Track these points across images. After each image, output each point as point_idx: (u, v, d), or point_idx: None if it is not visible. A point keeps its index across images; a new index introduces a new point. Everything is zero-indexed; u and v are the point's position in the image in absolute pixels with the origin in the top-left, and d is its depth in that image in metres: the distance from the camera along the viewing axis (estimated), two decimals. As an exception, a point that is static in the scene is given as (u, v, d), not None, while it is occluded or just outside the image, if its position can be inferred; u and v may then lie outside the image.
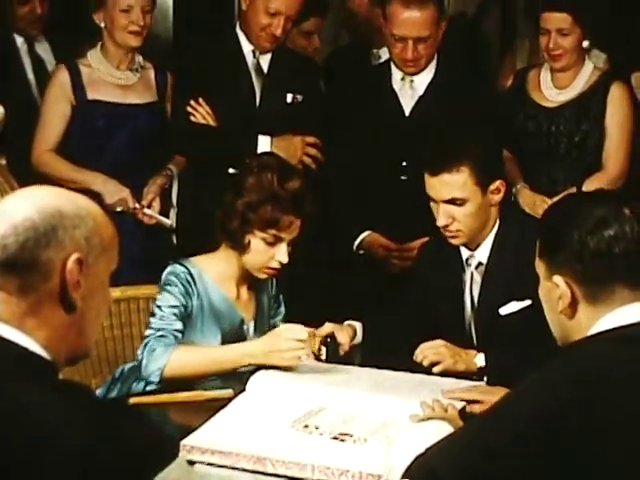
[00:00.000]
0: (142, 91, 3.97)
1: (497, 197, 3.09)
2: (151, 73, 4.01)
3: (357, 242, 3.84)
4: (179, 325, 2.96)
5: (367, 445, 2.44)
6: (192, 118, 3.76)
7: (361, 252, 3.86)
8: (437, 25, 3.76)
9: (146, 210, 3.91)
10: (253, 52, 3.84)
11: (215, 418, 2.57)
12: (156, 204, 3.94)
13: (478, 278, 3.15)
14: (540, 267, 2.10)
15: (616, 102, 3.98)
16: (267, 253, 3.01)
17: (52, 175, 3.85)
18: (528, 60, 4.68)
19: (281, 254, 3.00)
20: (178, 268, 3.04)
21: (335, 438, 2.47)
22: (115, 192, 3.87)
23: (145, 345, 2.91)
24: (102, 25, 3.91)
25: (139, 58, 4.01)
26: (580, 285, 2.00)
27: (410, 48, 3.74)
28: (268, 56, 3.85)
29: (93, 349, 1.83)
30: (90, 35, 4.06)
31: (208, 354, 2.93)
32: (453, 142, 3.13)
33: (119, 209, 3.86)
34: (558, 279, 2.02)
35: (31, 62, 4.19)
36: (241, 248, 3.02)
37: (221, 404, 2.66)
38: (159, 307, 2.98)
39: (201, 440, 2.43)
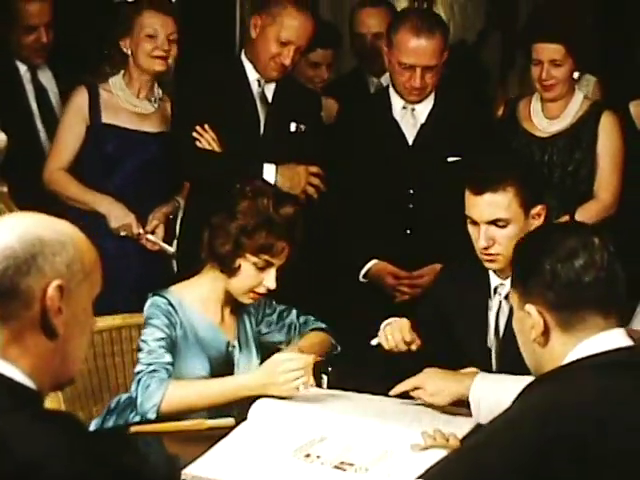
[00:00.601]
0: (157, 121, 4.01)
1: (537, 222, 3.02)
2: (168, 105, 4.02)
3: (364, 271, 3.82)
4: (168, 358, 2.92)
5: (369, 474, 2.44)
6: (198, 144, 3.76)
7: (365, 280, 3.84)
8: (442, 54, 3.78)
9: (149, 236, 3.93)
10: (258, 81, 3.84)
11: (216, 447, 2.57)
12: (160, 231, 3.96)
13: (506, 308, 3.08)
14: (513, 297, 2.16)
15: (607, 131, 4.00)
16: (256, 278, 2.99)
17: (61, 193, 3.93)
18: (520, 89, 4.70)
19: (270, 280, 2.99)
20: (158, 300, 3.00)
21: (337, 467, 2.47)
22: (120, 216, 3.90)
23: (138, 382, 2.87)
24: (128, 52, 3.95)
25: (159, 90, 4.05)
26: (552, 313, 2.05)
27: (418, 76, 3.74)
28: (272, 85, 3.85)
29: (78, 375, 1.82)
30: (95, 64, 4.10)
31: (204, 388, 2.88)
32: (497, 161, 3.11)
33: (123, 233, 3.90)
34: (530, 307, 2.07)
35: (34, 90, 4.20)
36: (230, 272, 3.00)
37: (222, 433, 2.66)
38: (145, 342, 2.94)
39: (202, 469, 2.43)
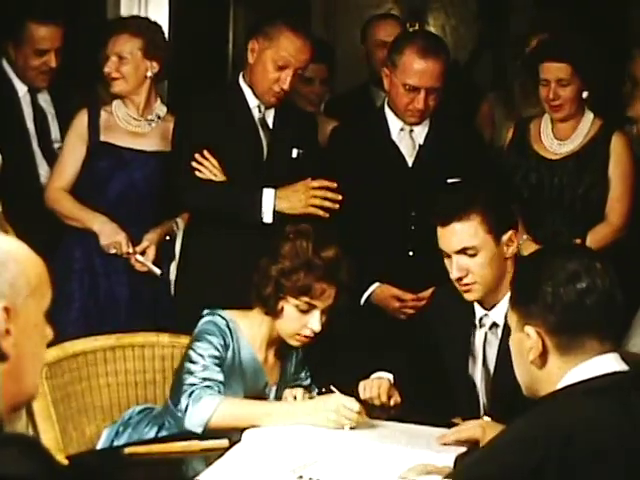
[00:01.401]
0: (155, 139, 4.01)
1: (511, 249, 3.03)
2: (170, 124, 3.97)
3: (367, 294, 3.80)
4: (222, 377, 2.93)
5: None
6: (198, 173, 3.72)
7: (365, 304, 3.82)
8: (445, 76, 3.77)
9: (138, 257, 3.92)
10: (259, 107, 3.80)
11: (210, 469, 2.56)
12: (151, 252, 3.94)
13: (493, 340, 3.07)
14: (512, 318, 2.17)
15: (618, 153, 3.95)
16: (300, 320, 3.00)
17: (59, 212, 3.98)
18: (506, 111, 4.69)
19: (314, 322, 2.98)
20: (218, 319, 3.03)
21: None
22: (111, 234, 3.90)
23: (190, 394, 2.86)
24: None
25: (161, 109, 4.06)
26: (552, 336, 2.07)
27: (422, 98, 3.73)
28: (272, 111, 3.82)
29: (37, 391, 1.79)
30: (91, 86, 4.13)
31: (254, 409, 2.87)
32: (462, 191, 3.13)
33: (112, 251, 3.90)
34: (530, 329, 2.09)
35: (32, 112, 4.19)
36: (274, 314, 3.01)
37: (216, 454, 2.66)
38: (201, 356, 2.95)
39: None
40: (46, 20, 4.08)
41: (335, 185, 3.71)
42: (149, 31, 4.02)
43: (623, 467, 1.92)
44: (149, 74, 3.98)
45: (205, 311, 3.07)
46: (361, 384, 3.07)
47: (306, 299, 2.97)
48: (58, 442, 2.97)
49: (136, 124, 4.02)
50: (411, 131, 3.85)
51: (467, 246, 3.01)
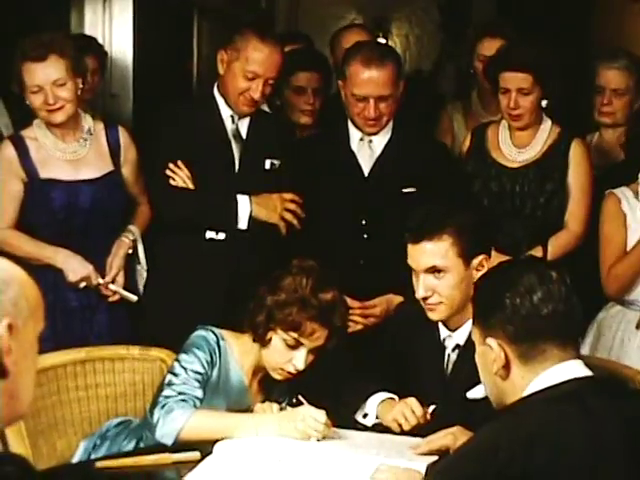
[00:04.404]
0: (95, 163, 3.80)
1: (480, 274, 2.91)
2: (102, 136, 3.82)
3: None
4: (200, 393, 2.94)
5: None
6: (171, 182, 3.72)
7: None
8: (396, 84, 3.79)
9: (111, 286, 3.78)
10: (232, 117, 3.80)
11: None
12: (120, 278, 3.80)
13: (453, 357, 3.07)
14: (475, 332, 2.24)
15: (577, 160, 3.97)
16: (286, 355, 3.00)
17: (11, 252, 3.50)
18: (465, 120, 4.72)
19: (299, 360, 2.99)
20: (210, 335, 3.04)
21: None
22: (78, 270, 3.72)
23: (163, 406, 2.87)
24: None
25: (87, 122, 3.82)
26: (512, 346, 2.13)
27: (372, 107, 3.75)
28: (246, 121, 3.82)
29: (28, 411, 1.82)
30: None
31: (224, 421, 2.88)
32: (435, 210, 3.07)
33: (82, 286, 3.74)
34: (491, 341, 2.16)
35: None
36: (262, 342, 3.02)
37: (188, 467, 2.67)
38: (184, 369, 2.96)
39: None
40: None
41: (300, 201, 3.76)
42: (69, 46, 3.71)
43: (586, 472, 1.97)
44: (79, 92, 3.72)
45: (199, 325, 3.08)
46: (391, 415, 2.96)
47: (295, 335, 2.97)
48: (29, 457, 2.96)
49: (72, 150, 3.78)
50: (370, 141, 3.87)
51: (436, 266, 2.99)
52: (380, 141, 3.88)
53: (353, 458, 2.71)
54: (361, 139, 3.88)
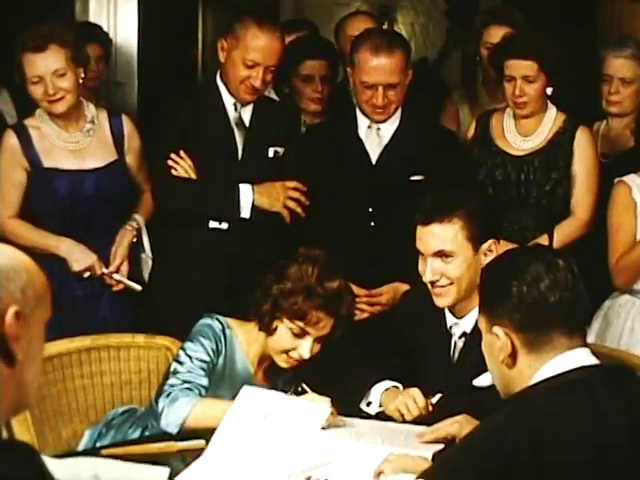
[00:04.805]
0: (98, 152, 3.79)
1: (489, 259, 2.93)
2: (105, 124, 3.82)
3: None
4: (205, 381, 2.94)
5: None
6: (173, 171, 3.72)
7: None
8: (405, 72, 3.79)
9: (115, 275, 3.78)
10: (235, 105, 3.79)
11: (188, 469, 2.56)
12: (124, 268, 3.80)
13: (460, 344, 3.06)
14: (481, 321, 2.23)
15: (583, 148, 3.96)
16: (291, 342, 2.99)
17: (18, 242, 3.45)
18: (471, 108, 4.70)
19: (304, 349, 2.98)
20: (216, 324, 3.04)
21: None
22: (82, 259, 3.73)
23: (168, 394, 2.87)
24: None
25: (90, 111, 3.81)
26: (519, 334, 2.12)
27: (380, 94, 3.74)
28: (249, 108, 3.81)
29: (34, 400, 1.82)
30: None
31: (229, 409, 2.83)
32: (449, 194, 3.06)
33: (86, 275, 3.75)
34: (498, 330, 2.14)
35: None
36: (267, 331, 3.02)
37: (194, 455, 2.66)
38: (189, 357, 2.96)
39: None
40: None
41: (305, 188, 3.75)
42: (69, 36, 3.69)
43: (592, 461, 1.97)
44: (80, 82, 3.71)
45: (204, 314, 3.08)
46: (394, 404, 2.97)
47: (300, 324, 2.96)
48: (34, 445, 2.97)
49: (75, 140, 3.78)
50: (378, 129, 3.86)
51: (444, 250, 2.98)
52: (388, 129, 3.87)
53: (358, 447, 2.70)
54: (369, 127, 3.87)
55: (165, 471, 2.43)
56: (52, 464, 2.19)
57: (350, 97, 4.57)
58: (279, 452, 2.62)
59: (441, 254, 2.99)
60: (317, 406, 2.74)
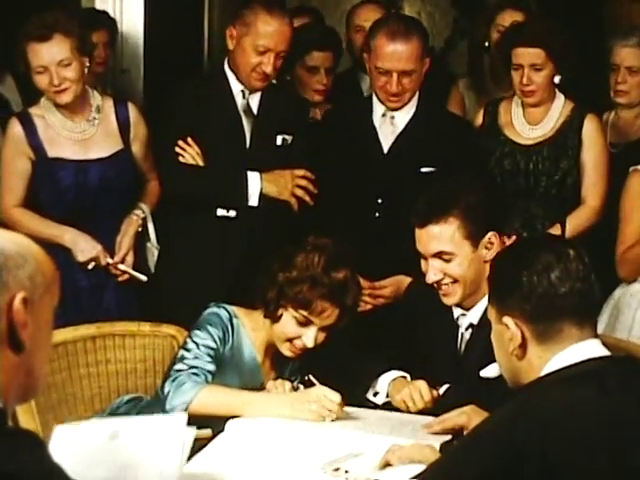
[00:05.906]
0: (104, 141, 3.76)
1: (491, 252, 2.95)
2: (111, 112, 3.78)
3: None
4: (212, 367, 2.93)
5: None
6: (180, 158, 3.71)
7: None
8: (421, 60, 3.75)
9: (120, 266, 3.75)
10: (243, 92, 3.77)
11: (194, 458, 2.56)
12: (130, 258, 3.77)
13: (467, 336, 3.05)
14: (491, 312, 2.21)
15: (591, 136, 3.95)
16: (296, 331, 2.98)
17: (22, 231, 3.43)
18: (478, 97, 4.69)
19: (308, 338, 2.97)
20: (222, 312, 3.04)
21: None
22: (87, 250, 3.70)
23: (174, 379, 2.87)
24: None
25: (96, 100, 3.78)
26: (529, 325, 2.10)
27: (395, 82, 3.71)
28: (257, 96, 3.79)
29: (42, 387, 1.81)
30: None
31: (236, 398, 2.87)
32: (442, 192, 3.04)
33: (91, 266, 3.72)
34: (508, 320, 2.12)
35: None
36: (272, 319, 3.01)
37: (200, 444, 2.64)
38: (196, 344, 2.96)
39: None
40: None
41: (313, 177, 3.73)
42: (74, 25, 3.64)
43: (603, 453, 1.95)
44: (85, 71, 3.67)
45: (211, 303, 3.08)
46: (398, 397, 2.97)
47: (304, 313, 2.95)
48: (39, 434, 2.96)
49: (80, 130, 3.75)
50: (392, 117, 3.82)
51: (443, 250, 2.97)
52: (403, 117, 3.84)
53: (366, 438, 2.70)
54: (383, 114, 3.83)
55: (184, 416, 2.40)
56: (68, 429, 2.25)
57: (359, 86, 4.56)
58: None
59: (440, 255, 2.98)
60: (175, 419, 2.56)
